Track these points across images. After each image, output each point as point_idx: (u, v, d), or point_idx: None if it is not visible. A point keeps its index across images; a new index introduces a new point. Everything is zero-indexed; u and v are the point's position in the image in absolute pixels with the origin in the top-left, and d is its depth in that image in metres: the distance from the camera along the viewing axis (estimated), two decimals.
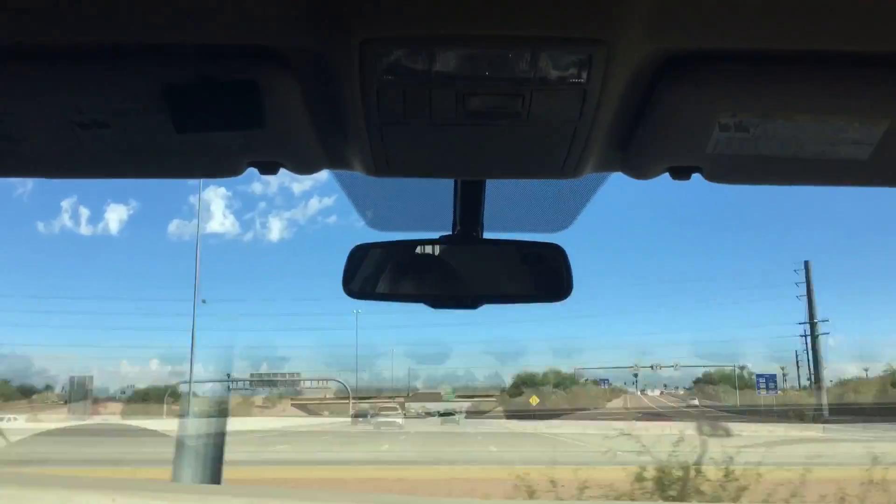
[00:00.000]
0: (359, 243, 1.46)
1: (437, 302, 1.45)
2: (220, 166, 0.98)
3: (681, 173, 0.97)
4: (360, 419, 34.18)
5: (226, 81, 0.79)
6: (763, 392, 45.15)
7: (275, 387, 56.22)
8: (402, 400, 50.59)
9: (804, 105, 0.83)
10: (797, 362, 47.58)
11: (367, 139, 0.91)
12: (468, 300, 1.44)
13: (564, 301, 1.40)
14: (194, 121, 0.83)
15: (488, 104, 0.83)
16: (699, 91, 0.81)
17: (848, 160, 0.91)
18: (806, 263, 37.57)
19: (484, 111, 0.84)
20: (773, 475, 5.57)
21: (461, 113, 0.84)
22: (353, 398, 46.40)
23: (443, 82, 0.79)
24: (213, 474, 2.83)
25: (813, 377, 43.20)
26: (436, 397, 53.78)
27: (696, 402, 50.39)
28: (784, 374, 49.05)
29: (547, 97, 0.82)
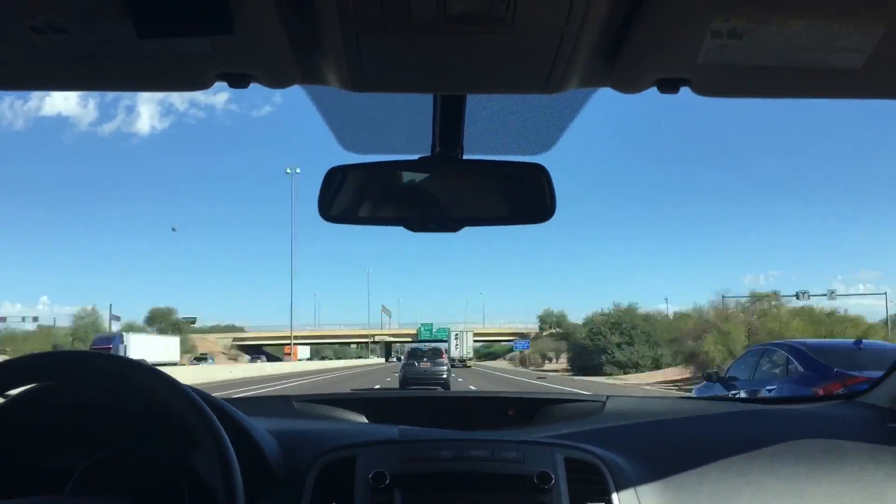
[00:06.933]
0: (334, 165, 1.41)
1: (417, 225, 1.42)
2: (186, 78, 0.93)
3: (669, 86, 0.94)
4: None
5: None
6: None
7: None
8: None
9: (800, 7, 0.80)
10: None
11: (342, 49, 0.86)
12: (449, 223, 1.41)
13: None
14: (158, 24, 0.77)
15: (471, 8, 0.79)
16: None
17: (841, 70, 0.89)
18: None
19: (466, 16, 0.80)
20: None
21: (442, 18, 0.80)
22: None
23: None
24: None
25: None
26: None
27: None
28: None
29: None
